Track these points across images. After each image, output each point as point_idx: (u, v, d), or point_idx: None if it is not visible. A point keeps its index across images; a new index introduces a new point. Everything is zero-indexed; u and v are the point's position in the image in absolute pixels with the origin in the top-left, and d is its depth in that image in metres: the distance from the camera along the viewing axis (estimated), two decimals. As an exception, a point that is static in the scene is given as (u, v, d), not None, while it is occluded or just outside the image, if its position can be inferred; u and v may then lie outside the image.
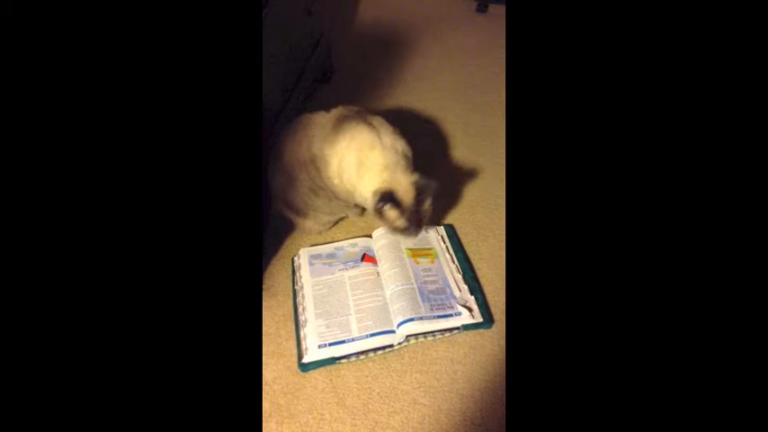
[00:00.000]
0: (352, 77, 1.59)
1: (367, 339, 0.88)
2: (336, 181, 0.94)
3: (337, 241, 1.08)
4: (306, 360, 0.87)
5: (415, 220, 0.92)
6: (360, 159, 0.90)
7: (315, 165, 0.95)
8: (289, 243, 1.09)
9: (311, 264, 1.02)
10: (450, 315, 0.91)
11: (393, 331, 0.89)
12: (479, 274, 1.02)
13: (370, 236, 1.08)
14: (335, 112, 0.98)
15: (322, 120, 0.97)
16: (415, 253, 1.03)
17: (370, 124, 0.93)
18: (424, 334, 0.90)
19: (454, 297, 0.95)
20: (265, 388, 0.85)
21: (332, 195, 0.98)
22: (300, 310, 0.94)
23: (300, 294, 0.97)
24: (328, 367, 0.87)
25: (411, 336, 0.89)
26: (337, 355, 0.87)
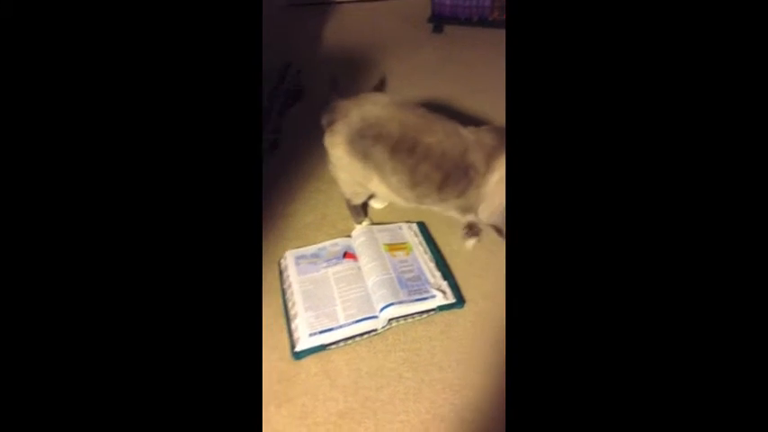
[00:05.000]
0: (323, 96, 1.71)
1: (353, 326, 0.97)
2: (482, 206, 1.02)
3: (319, 243, 1.17)
4: (298, 348, 0.95)
5: None
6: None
7: (466, 174, 1.00)
8: (273, 247, 1.17)
9: (297, 264, 1.11)
10: (426, 298, 1.02)
11: (376, 316, 0.99)
12: (450, 262, 1.13)
13: (349, 236, 1.18)
14: (489, 135, 1.03)
15: (470, 135, 1.03)
16: (392, 247, 1.13)
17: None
18: (404, 317, 1.00)
19: (429, 283, 1.05)
20: (262, 377, 0.92)
21: (448, 199, 1.05)
22: (290, 305, 1.03)
23: (289, 291, 1.05)
24: (319, 354, 0.95)
25: (393, 319, 0.99)
26: (327, 342, 0.95)
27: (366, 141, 1.02)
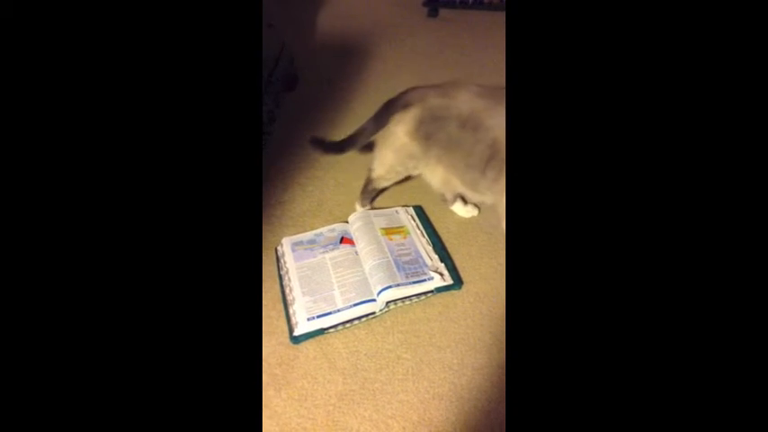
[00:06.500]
0: (317, 84, 1.70)
1: (351, 309, 0.97)
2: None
3: (316, 229, 1.17)
4: (297, 333, 0.95)
5: None
6: None
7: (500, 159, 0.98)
8: (270, 234, 1.17)
9: (294, 250, 1.10)
10: (424, 280, 1.01)
11: (374, 300, 0.98)
12: (447, 244, 1.13)
13: (346, 221, 1.17)
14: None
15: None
16: (389, 231, 1.13)
17: None
18: (402, 299, 1.00)
19: (426, 265, 1.05)
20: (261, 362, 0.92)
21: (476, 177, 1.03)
22: (288, 291, 1.03)
23: (287, 278, 1.05)
24: (318, 338, 0.95)
25: (391, 302, 0.99)
26: (325, 325, 0.95)
27: (435, 124, 1.01)
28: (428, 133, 1.03)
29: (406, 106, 1.04)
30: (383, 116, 1.08)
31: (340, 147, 1.14)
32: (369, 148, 1.16)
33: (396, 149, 1.08)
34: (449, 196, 1.19)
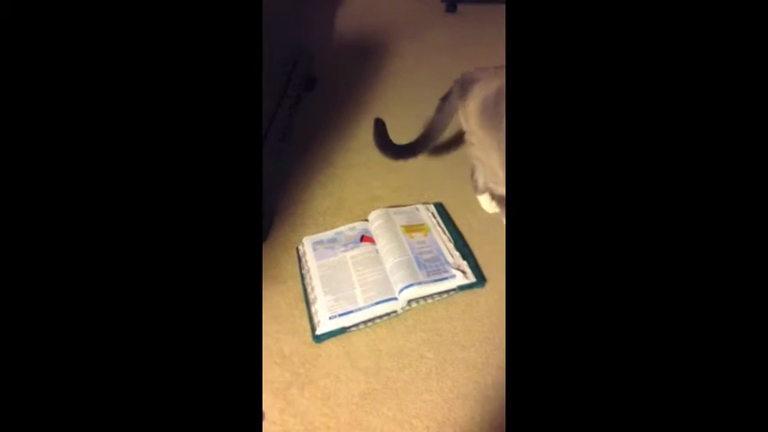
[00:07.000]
0: (335, 83, 1.70)
1: (372, 308, 0.97)
2: None
3: (337, 227, 1.17)
4: (319, 332, 0.95)
5: None
6: None
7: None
8: (291, 233, 1.18)
9: (315, 249, 1.11)
10: (446, 278, 1.00)
11: (395, 298, 0.98)
12: (470, 242, 1.11)
13: (366, 220, 1.17)
14: None
15: None
16: (409, 229, 1.12)
17: None
18: (424, 297, 0.98)
19: (448, 263, 1.04)
20: (285, 361, 0.92)
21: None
22: (309, 290, 1.03)
23: (308, 276, 1.05)
24: (340, 336, 0.95)
25: (412, 300, 0.98)
26: (347, 324, 0.95)
27: (496, 109, 0.94)
28: (488, 122, 0.97)
29: (464, 94, 1.00)
30: (445, 112, 1.06)
31: (412, 150, 1.13)
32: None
33: (480, 147, 1.05)
34: (481, 183, 1.15)
